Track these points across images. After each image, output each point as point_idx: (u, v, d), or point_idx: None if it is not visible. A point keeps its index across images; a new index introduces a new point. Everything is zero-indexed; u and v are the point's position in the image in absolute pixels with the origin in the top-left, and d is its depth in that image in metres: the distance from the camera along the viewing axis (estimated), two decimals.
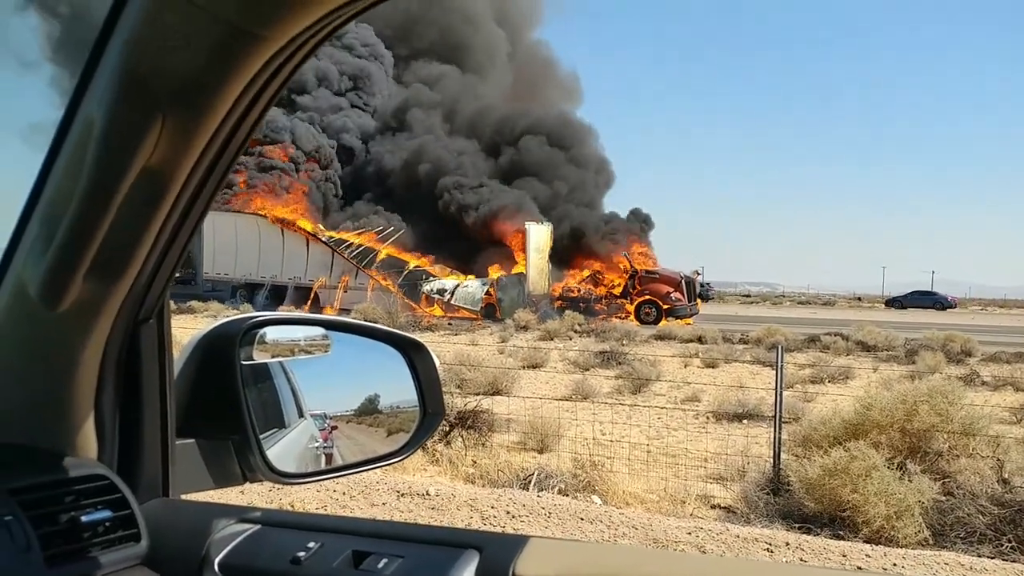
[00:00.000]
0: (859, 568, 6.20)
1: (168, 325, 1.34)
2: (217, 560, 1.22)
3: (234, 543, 1.25)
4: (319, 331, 1.61)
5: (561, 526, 7.00)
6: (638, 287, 42.27)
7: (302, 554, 1.20)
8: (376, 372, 1.70)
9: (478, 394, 13.16)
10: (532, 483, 8.16)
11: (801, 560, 6.34)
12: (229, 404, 1.39)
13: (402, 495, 7.74)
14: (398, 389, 1.69)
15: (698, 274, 49.29)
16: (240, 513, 1.32)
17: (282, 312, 1.68)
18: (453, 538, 1.23)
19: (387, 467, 1.70)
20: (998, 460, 7.71)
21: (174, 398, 1.37)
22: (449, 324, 33.67)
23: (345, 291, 44.07)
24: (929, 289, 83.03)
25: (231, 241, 47.32)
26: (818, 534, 7.02)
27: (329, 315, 1.80)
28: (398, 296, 41.54)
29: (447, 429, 10.19)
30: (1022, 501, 6.87)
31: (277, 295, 45.69)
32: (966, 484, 7.28)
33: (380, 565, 1.17)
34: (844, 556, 6.37)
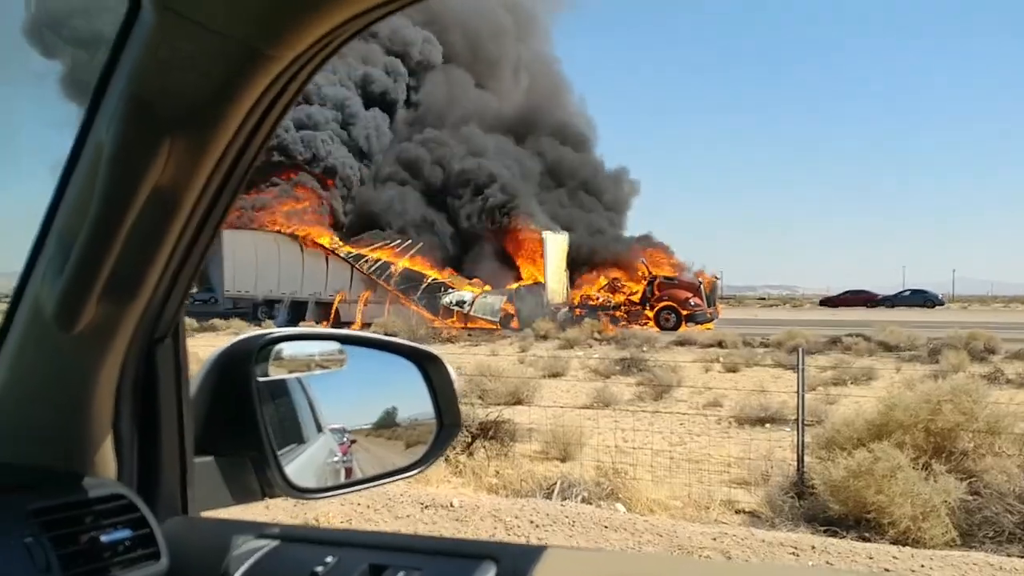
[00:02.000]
0: (887, 570, 6.16)
1: (184, 344, 1.36)
2: None
3: (252, 559, 1.25)
4: (335, 346, 1.62)
5: (585, 534, 6.98)
6: (657, 293, 42.20)
7: (319, 569, 1.20)
8: (393, 385, 1.70)
9: (499, 404, 13.14)
10: (555, 492, 8.15)
11: (827, 563, 6.30)
12: (246, 421, 1.40)
13: (426, 507, 7.74)
14: (415, 402, 1.69)
15: (716, 279, 49.12)
16: (259, 529, 1.32)
17: (297, 328, 1.66)
18: (469, 549, 1.23)
19: (406, 480, 1.70)
20: None
21: (192, 416, 1.38)
22: (469, 335, 33.71)
23: (365, 305, 44.19)
24: (923, 288, 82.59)
25: (251, 259, 47.59)
26: (844, 536, 6.97)
27: (344, 329, 1.80)
28: (416, 310, 41.56)
29: (469, 440, 10.18)
30: None
31: (298, 311, 45.90)
32: (993, 483, 7.21)
33: None
34: (871, 558, 6.32)
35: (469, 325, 39.55)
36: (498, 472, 9.35)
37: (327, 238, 48.63)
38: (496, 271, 47.13)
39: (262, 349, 1.46)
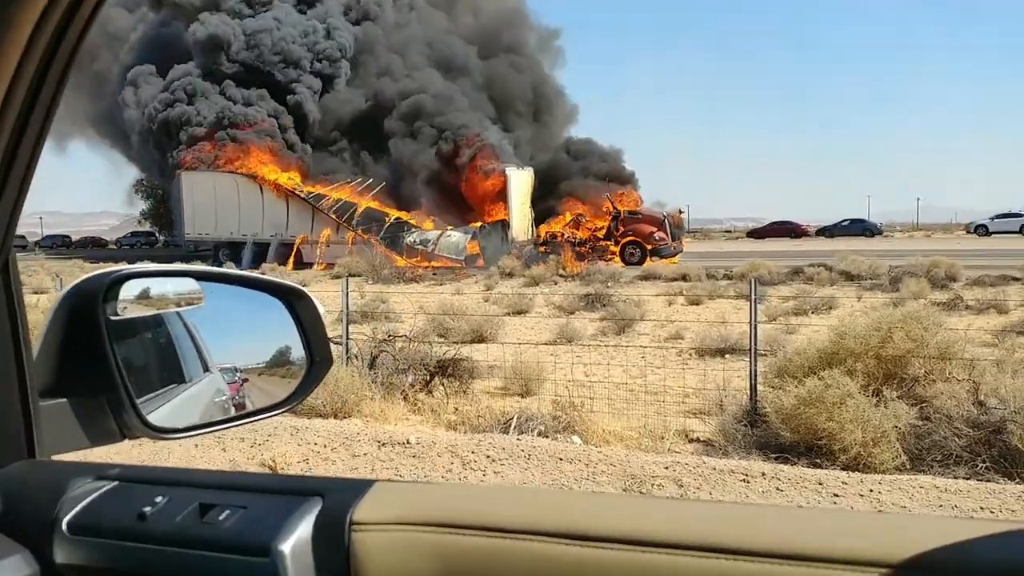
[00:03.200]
0: (836, 495, 6.27)
1: (16, 282, 1.29)
2: (66, 519, 1.19)
3: (85, 501, 1.22)
4: (191, 283, 1.57)
5: (540, 467, 7.04)
6: (621, 228, 42.23)
7: (148, 509, 1.18)
8: (272, 323, 1.65)
9: (458, 342, 13.16)
10: (512, 427, 8.19)
11: (777, 490, 6.39)
12: (97, 362, 1.35)
13: (383, 445, 7.77)
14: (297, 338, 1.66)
15: (681, 212, 49.28)
16: (98, 471, 1.29)
17: (148, 265, 1.62)
18: (296, 486, 1.22)
19: (278, 416, 1.67)
20: (974, 383, 7.75)
21: (40, 358, 1.34)
22: (434, 275, 33.63)
23: (327, 246, 43.93)
24: (862, 217, 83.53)
25: (210, 200, 47.07)
26: (795, 463, 7.07)
27: (200, 267, 1.75)
28: (379, 249, 41.28)
29: (428, 378, 10.20)
30: (996, 422, 6.93)
31: (262, 253, 45.61)
32: (942, 408, 7.33)
33: (222, 517, 1.15)
34: (820, 484, 6.42)
35: (433, 264, 39.42)
36: (457, 409, 9.38)
37: (285, 176, 47.96)
38: (459, 208, 46.93)
39: (111, 287, 1.41)
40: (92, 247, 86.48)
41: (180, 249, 57.68)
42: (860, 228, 77.34)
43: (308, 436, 8.11)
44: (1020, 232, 66.47)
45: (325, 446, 7.86)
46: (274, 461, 7.49)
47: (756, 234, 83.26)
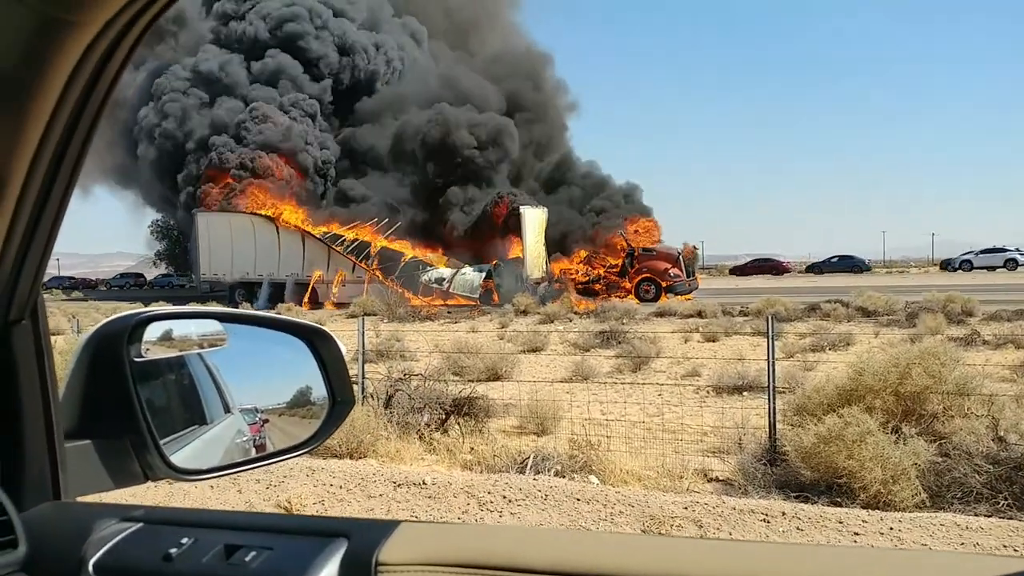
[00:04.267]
0: (856, 534, 6.20)
1: (44, 325, 1.31)
2: (92, 561, 1.19)
3: (111, 543, 1.22)
4: (215, 325, 1.58)
5: (558, 507, 6.99)
6: (636, 265, 42.25)
7: (174, 550, 1.18)
8: (292, 364, 1.66)
9: (474, 381, 13.15)
10: (528, 466, 8.14)
11: (798, 529, 6.33)
12: (121, 403, 1.36)
13: (399, 486, 7.73)
14: (319, 379, 1.67)
15: (695, 249, 49.28)
16: (124, 512, 1.29)
17: (172, 307, 1.65)
18: (322, 527, 1.22)
19: (299, 456, 1.68)
20: (993, 418, 7.68)
21: (65, 400, 1.35)
22: (449, 313, 33.68)
23: (343, 285, 44.02)
24: (851, 254, 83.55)
25: (226, 241, 47.24)
26: (815, 502, 7.00)
27: (223, 308, 1.76)
28: (390, 286, 41.35)
29: (443, 417, 10.17)
30: (1017, 458, 6.85)
31: (277, 292, 45.67)
32: (961, 444, 7.26)
33: (248, 558, 1.15)
34: (841, 523, 6.35)
35: (448, 302, 39.46)
36: (472, 448, 9.34)
37: (296, 214, 48.12)
38: (474, 247, 47.07)
39: (135, 329, 1.42)
40: (83, 288, 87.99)
41: (164, 290, 58.01)
42: (849, 264, 78.07)
43: (324, 477, 8.08)
44: (1004, 267, 66.64)
45: (341, 487, 7.83)
46: (290, 502, 7.46)
47: (738, 271, 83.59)
